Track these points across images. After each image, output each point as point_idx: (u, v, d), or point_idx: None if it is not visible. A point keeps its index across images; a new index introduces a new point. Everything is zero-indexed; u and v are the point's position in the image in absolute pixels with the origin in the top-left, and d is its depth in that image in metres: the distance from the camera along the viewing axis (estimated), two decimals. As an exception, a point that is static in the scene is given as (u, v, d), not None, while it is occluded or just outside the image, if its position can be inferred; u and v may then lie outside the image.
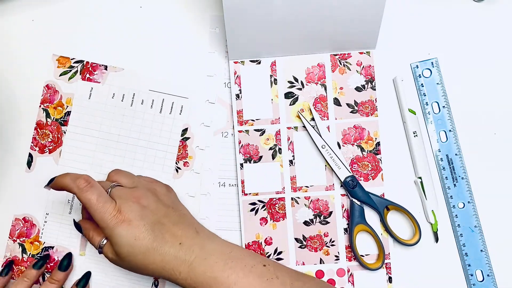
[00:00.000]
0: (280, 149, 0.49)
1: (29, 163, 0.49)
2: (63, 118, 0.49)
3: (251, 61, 0.49)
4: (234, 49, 0.48)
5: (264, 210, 0.48)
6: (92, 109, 0.49)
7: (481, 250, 0.47)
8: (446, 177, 0.48)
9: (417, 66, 0.49)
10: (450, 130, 0.49)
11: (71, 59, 0.50)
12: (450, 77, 0.49)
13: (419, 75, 0.49)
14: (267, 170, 0.48)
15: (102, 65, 0.50)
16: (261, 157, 0.49)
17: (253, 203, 0.48)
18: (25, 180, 0.49)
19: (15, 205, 0.49)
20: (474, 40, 0.50)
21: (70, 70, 0.50)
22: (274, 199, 0.48)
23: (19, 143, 0.50)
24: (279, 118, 0.49)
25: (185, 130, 0.49)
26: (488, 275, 0.47)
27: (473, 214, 0.48)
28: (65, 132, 0.49)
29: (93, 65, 0.50)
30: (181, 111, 0.49)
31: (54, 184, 0.43)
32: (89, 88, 0.50)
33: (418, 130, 0.48)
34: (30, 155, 0.49)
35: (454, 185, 0.48)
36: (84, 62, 0.50)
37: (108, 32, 0.51)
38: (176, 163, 0.49)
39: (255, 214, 0.48)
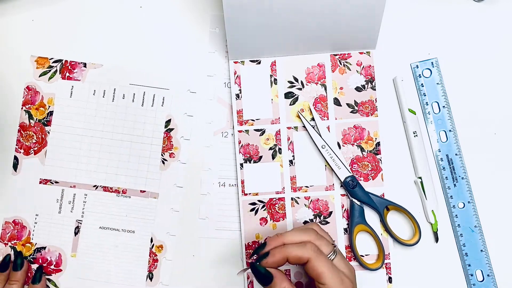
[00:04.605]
0: (280, 149, 0.49)
1: (15, 166, 0.49)
2: (46, 118, 0.49)
3: (251, 61, 0.49)
4: (234, 49, 0.48)
5: (264, 210, 0.48)
6: (74, 108, 0.50)
7: (481, 250, 0.47)
8: (446, 177, 0.48)
9: (417, 66, 0.49)
10: (450, 130, 0.49)
11: (50, 59, 0.50)
12: (450, 77, 0.49)
13: (419, 75, 0.49)
14: (267, 170, 0.48)
15: (81, 62, 0.50)
16: (261, 157, 0.49)
17: (253, 203, 0.48)
18: (12, 183, 0.49)
19: (4, 208, 0.49)
20: (474, 40, 0.50)
21: (50, 70, 0.50)
22: (274, 199, 0.48)
23: (3, 146, 0.49)
24: (279, 118, 0.49)
25: (168, 122, 0.49)
26: (488, 275, 0.47)
27: (473, 214, 0.48)
28: (49, 132, 0.49)
29: (72, 63, 0.50)
30: (163, 102, 0.49)
31: (276, 260, 0.38)
32: (69, 86, 0.50)
33: (418, 130, 0.48)
34: (16, 158, 0.49)
35: (454, 185, 0.48)
36: (63, 61, 0.50)
37: (108, 32, 0.51)
38: (162, 154, 0.49)
39: (255, 214, 0.48)
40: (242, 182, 0.48)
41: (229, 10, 0.45)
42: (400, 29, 0.50)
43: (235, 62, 0.49)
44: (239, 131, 0.49)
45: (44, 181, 0.49)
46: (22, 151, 0.49)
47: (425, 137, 0.49)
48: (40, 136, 0.49)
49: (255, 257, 0.39)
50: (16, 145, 0.49)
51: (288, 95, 0.49)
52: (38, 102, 0.49)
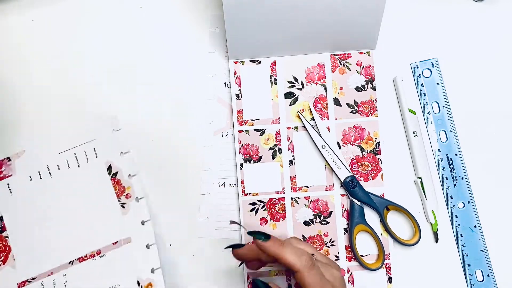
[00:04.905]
0: (280, 149, 0.49)
1: None
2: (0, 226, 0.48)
3: (251, 61, 0.49)
4: (234, 49, 0.48)
5: (264, 210, 0.48)
6: (20, 202, 0.49)
7: (481, 250, 0.47)
8: (446, 177, 0.48)
9: (417, 66, 0.49)
10: (450, 130, 0.49)
11: None
12: (450, 77, 0.49)
13: (419, 75, 0.49)
14: (267, 170, 0.48)
15: (5, 158, 0.49)
16: (261, 157, 0.49)
17: (253, 203, 0.48)
18: None
19: None
20: (474, 40, 0.50)
21: None
22: (274, 199, 0.48)
23: None
24: (279, 118, 0.49)
25: (109, 168, 0.48)
26: (488, 275, 0.47)
27: (473, 214, 0.48)
28: (7, 237, 0.48)
29: None
30: (95, 153, 0.49)
31: (270, 251, 0.38)
32: (5, 185, 0.49)
33: (418, 130, 0.48)
34: None
35: (454, 185, 0.48)
36: None
37: (108, 32, 0.51)
38: (118, 200, 0.48)
39: (255, 214, 0.48)
40: (242, 182, 0.48)
41: (229, 10, 0.45)
42: (400, 29, 0.50)
43: (235, 62, 0.49)
44: (239, 131, 0.49)
45: (22, 283, 0.47)
46: None
47: (425, 137, 0.49)
48: (1, 245, 0.48)
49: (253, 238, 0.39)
50: None
51: (288, 95, 0.49)
52: None
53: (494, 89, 0.49)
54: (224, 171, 0.49)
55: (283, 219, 0.48)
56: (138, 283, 0.47)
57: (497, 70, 0.49)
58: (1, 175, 0.49)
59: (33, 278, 0.48)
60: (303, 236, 0.48)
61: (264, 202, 0.48)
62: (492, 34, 0.50)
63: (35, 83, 0.51)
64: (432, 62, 0.49)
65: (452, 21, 0.50)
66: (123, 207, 0.48)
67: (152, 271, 0.47)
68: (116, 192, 0.48)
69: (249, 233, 0.39)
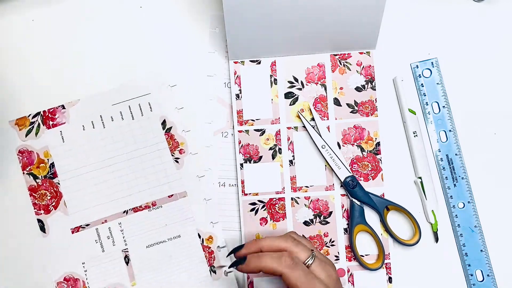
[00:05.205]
0: (280, 149, 0.49)
1: (42, 228, 0.48)
2: (50, 172, 0.49)
3: (251, 61, 0.49)
4: (234, 49, 0.48)
5: (264, 210, 0.48)
6: (71, 150, 0.49)
7: (481, 250, 0.47)
8: (446, 177, 0.48)
9: (417, 66, 0.49)
10: (450, 130, 0.49)
11: (28, 116, 0.49)
12: (450, 77, 0.49)
13: (419, 75, 0.49)
14: (267, 170, 0.48)
15: (59, 106, 0.49)
16: (261, 157, 0.49)
17: (253, 203, 0.48)
18: (46, 244, 0.48)
19: (50, 272, 0.48)
20: (474, 40, 0.50)
21: (33, 127, 0.49)
22: (274, 199, 0.48)
23: (23, 215, 0.49)
24: (279, 118, 0.49)
25: (163, 123, 0.49)
26: (488, 275, 0.47)
27: (473, 214, 0.48)
28: (59, 183, 0.49)
29: (51, 110, 0.49)
30: (150, 107, 0.49)
31: (250, 269, 0.39)
32: (58, 133, 0.49)
33: (418, 130, 0.48)
34: (40, 221, 0.48)
35: (454, 185, 0.48)
36: (41, 112, 0.49)
37: (108, 32, 0.51)
38: (172, 155, 0.49)
39: (255, 214, 0.48)
40: (242, 182, 0.48)
41: (229, 10, 0.45)
42: (400, 29, 0.50)
43: (235, 62, 0.49)
44: (239, 131, 0.49)
45: (76, 229, 0.48)
46: (42, 212, 0.48)
47: (425, 137, 0.49)
48: (52, 190, 0.49)
49: (231, 261, 0.40)
50: (34, 208, 0.48)
51: (288, 95, 0.49)
52: (36, 161, 0.49)
53: (494, 89, 0.49)
54: (224, 171, 0.49)
55: (283, 219, 0.48)
56: (199, 236, 0.48)
57: (497, 70, 0.49)
58: (54, 122, 0.49)
59: (87, 225, 0.48)
60: (303, 236, 0.48)
61: (264, 202, 0.48)
62: (492, 34, 0.50)
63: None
64: (432, 62, 0.49)
65: (452, 21, 0.50)
66: (177, 161, 0.49)
67: (212, 225, 0.48)
68: (169, 147, 0.49)
69: (231, 263, 0.40)
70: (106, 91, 0.49)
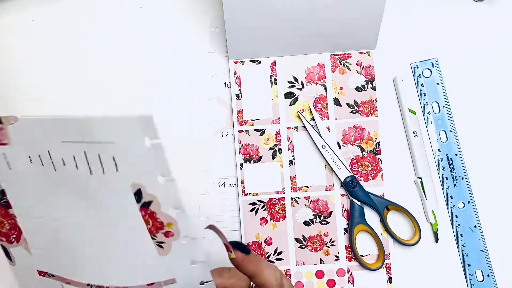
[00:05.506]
0: (280, 149, 0.49)
1: (7, 255, 0.37)
2: (2, 199, 0.35)
3: (251, 61, 0.49)
4: (234, 49, 0.48)
5: (264, 210, 0.48)
6: (24, 184, 0.33)
7: (481, 250, 0.47)
8: (446, 177, 0.48)
9: (417, 66, 0.49)
10: (450, 130, 0.49)
11: None
12: (450, 77, 0.49)
13: (419, 75, 0.49)
14: (267, 170, 0.48)
15: None
16: (261, 157, 0.49)
17: (253, 203, 0.48)
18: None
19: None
20: (474, 40, 0.50)
21: None
22: (274, 199, 0.48)
23: None
24: (279, 118, 0.49)
25: (138, 193, 0.30)
26: (488, 275, 0.47)
27: (473, 214, 0.48)
28: (15, 217, 0.35)
29: None
30: (116, 166, 0.29)
31: (249, 268, 0.34)
32: (1, 154, 0.32)
33: (418, 130, 0.48)
34: (4, 248, 0.37)
35: (454, 185, 0.48)
36: None
37: (108, 32, 0.51)
38: (153, 238, 0.32)
39: (255, 214, 0.48)
40: (242, 182, 0.48)
41: (229, 10, 0.45)
42: (400, 29, 0.50)
43: (235, 62, 0.49)
44: (239, 131, 0.49)
45: (42, 273, 0.37)
46: (3, 239, 0.36)
47: (425, 137, 0.49)
48: (10, 221, 0.36)
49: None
50: None
51: (288, 95, 0.49)
52: None
53: (494, 89, 0.49)
54: (224, 171, 0.49)
55: (283, 219, 0.48)
56: None
57: (497, 70, 0.49)
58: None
59: (53, 276, 0.37)
60: (303, 236, 0.48)
61: (264, 202, 0.48)
62: (492, 34, 0.50)
63: (34, 83, 0.51)
64: (432, 62, 0.49)
65: (452, 21, 0.50)
66: (161, 246, 0.33)
67: None
68: (149, 228, 0.33)
69: (230, 243, 0.34)
70: (55, 115, 0.34)
